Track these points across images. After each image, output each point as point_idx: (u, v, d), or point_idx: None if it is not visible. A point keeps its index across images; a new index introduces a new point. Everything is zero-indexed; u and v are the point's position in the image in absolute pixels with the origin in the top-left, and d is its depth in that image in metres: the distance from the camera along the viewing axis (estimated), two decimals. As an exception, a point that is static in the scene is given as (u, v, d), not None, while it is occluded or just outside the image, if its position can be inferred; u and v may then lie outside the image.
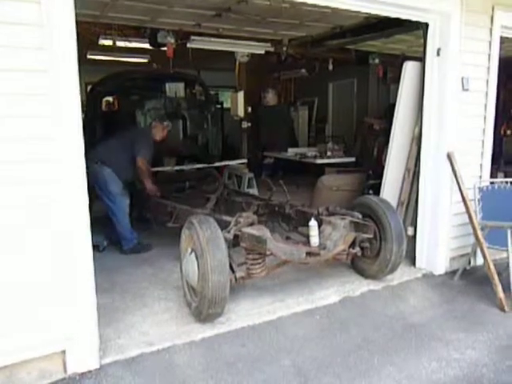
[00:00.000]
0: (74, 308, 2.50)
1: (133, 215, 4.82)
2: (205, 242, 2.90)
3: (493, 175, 4.39)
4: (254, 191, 6.54)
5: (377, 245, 3.71)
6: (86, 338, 2.57)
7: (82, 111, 2.47)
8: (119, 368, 2.62)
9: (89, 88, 7.49)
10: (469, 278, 3.97)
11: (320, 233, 3.44)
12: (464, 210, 3.80)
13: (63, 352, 2.53)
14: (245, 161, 7.22)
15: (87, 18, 4.92)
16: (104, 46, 6.31)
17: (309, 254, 3.29)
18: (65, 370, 2.54)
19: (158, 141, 4.84)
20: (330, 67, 8.01)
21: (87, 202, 2.50)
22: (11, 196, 2.30)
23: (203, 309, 2.96)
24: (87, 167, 2.52)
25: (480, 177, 4.16)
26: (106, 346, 2.79)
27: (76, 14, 2.35)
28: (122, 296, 3.58)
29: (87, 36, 5.52)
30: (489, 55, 4.01)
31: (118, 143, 4.71)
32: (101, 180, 4.39)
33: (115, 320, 3.15)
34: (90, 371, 2.57)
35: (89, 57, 7.07)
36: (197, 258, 2.97)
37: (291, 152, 8.29)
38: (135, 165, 4.58)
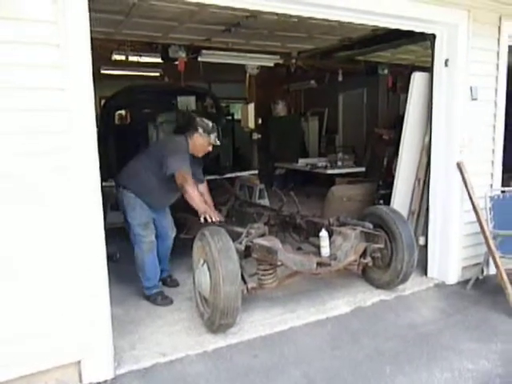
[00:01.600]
0: (89, 319, 2.55)
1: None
2: (217, 253, 2.94)
3: (505, 184, 4.37)
4: (266, 202, 6.56)
5: (388, 255, 3.72)
6: (100, 349, 2.62)
7: (96, 125, 2.54)
8: (133, 378, 2.67)
9: (102, 102, 7.63)
10: (481, 288, 3.95)
11: (331, 243, 3.46)
12: (475, 219, 3.80)
13: (79, 362, 2.58)
14: (256, 172, 7.26)
15: (102, 35, 5.06)
16: (117, 60, 6.45)
17: (319, 264, 3.29)
18: (80, 380, 2.60)
19: (196, 156, 3.82)
20: (340, 78, 8.07)
21: (102, 217, 2.57)
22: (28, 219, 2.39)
23: (215, 319, 2.99)
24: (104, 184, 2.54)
25: (491, 185, 4.15)
26: (121, 357, 2.83)
27: (91, 32, 2.44)
28: (135, 307, 3.64)
29: (101, 52, 5.66)
30: (497, 65, 4.04)
31: (143, 163, 3.76)
32: (121, 207, 3.79)
33: (129, 331, 3.20)
34: (105, 381, 2.62)
35: (102, 72, 7.23)
36: (209, 268, 3.02)
37: (302, 162, 8.33)
38: (174, 188, 3.66)
